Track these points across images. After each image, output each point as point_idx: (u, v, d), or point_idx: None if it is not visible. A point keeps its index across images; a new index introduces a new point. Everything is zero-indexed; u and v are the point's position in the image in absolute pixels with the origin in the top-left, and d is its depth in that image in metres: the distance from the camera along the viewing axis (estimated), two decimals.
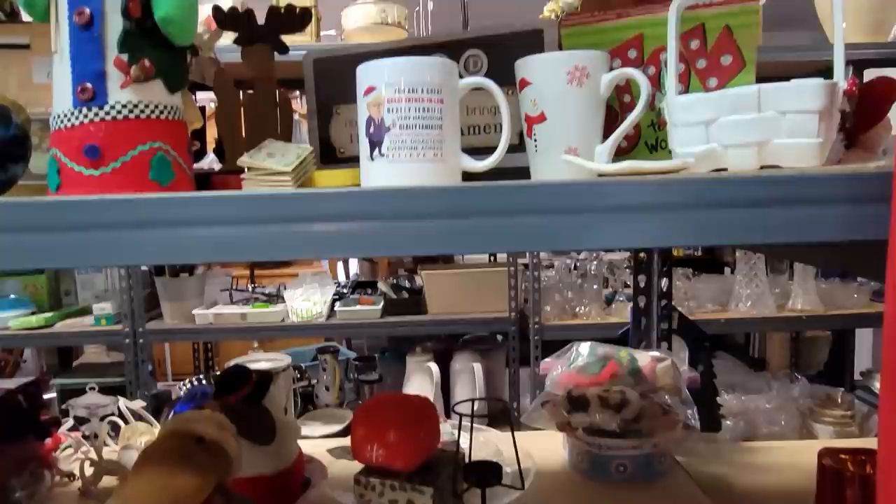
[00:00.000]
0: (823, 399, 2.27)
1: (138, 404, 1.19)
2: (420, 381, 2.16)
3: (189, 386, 2.51)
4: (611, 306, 2.29)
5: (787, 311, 2.19)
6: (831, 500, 0.73)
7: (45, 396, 1.10)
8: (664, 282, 1.12)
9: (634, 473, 0.98)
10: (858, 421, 2.26)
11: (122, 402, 1.17)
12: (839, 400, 2.26)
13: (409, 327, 2.18)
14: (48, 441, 1.07)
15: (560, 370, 1.11)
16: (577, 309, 2.24)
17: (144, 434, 1.12)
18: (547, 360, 1.17)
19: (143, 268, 2.24)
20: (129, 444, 1.08)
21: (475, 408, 0.75)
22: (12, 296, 2.22)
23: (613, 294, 2.36)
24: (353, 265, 3.51)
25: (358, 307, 2.20)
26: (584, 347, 1.11)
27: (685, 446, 1.04)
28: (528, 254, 2.13)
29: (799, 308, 2.18)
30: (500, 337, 2.45)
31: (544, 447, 1.06)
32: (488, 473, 0.70)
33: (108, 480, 1.03)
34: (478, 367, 2.16)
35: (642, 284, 1.14)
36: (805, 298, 2.19)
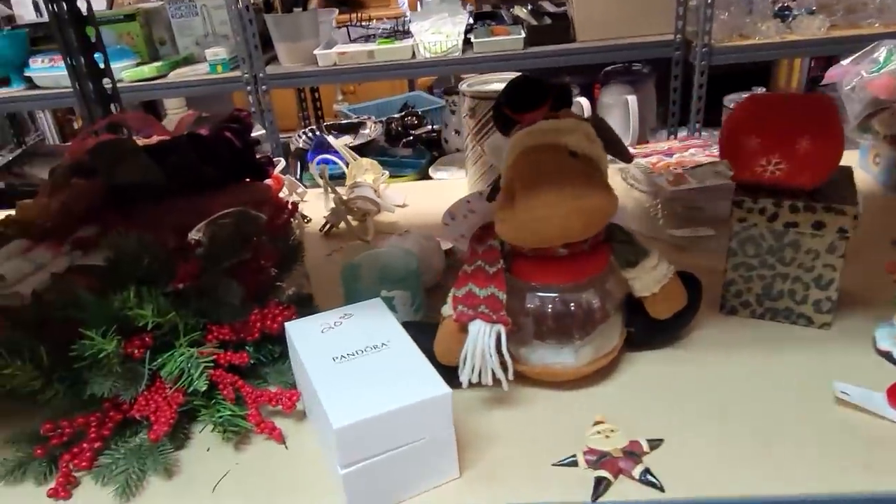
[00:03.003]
0: None
1: (345, 140, 1.05)
2: None
3: (308, 135, 2.40)
4: (786, 22, 1.97)
5: None
6: None
7: (253, 134, 0.97)
8: None
9: None
10: None
11: (333, 139, 1.02)
12: None
13: (555, 58, 1.93)
14: (270, 182, 0.96)
15: (863, 76, 0.90)
16: (751, 27, 1.92)
17: (369, 170, 0.99)
18: (836, 67, 0.95)
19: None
20: (357, 181, 0.96)
21: None
22: (117, 46, 2.03)
23: (787, 9, 2.01)
24: None
25: (496, 38, 1.94)
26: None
27: None
28: None
29: None
30: (643, 68, 2.19)
31: None
32: None
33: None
34: (632, 99, 1.94)
35: None
36: None
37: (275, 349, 0.63)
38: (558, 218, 0.49)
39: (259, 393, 0.58)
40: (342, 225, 0.91)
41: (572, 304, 0.56)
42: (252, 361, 0.62)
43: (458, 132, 2.32)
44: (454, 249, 0.82)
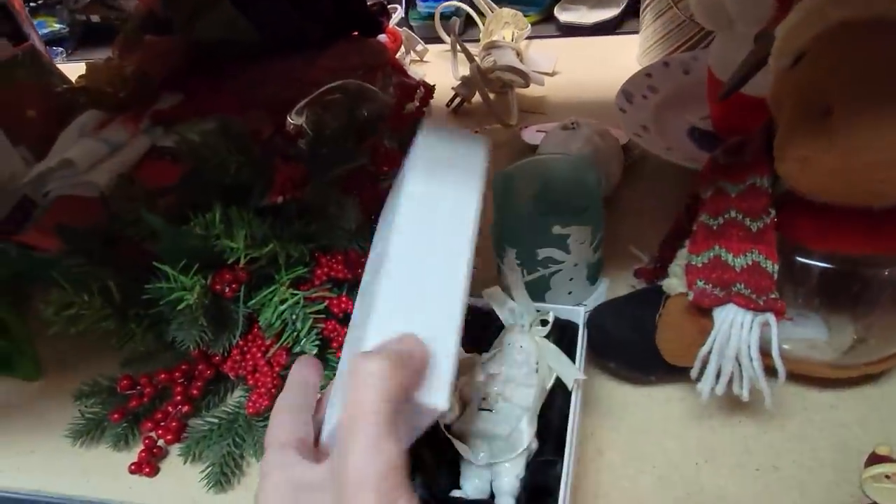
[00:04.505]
0: None
1: None
2: None
3: None
4: None
5: None
6: None
7: None
8: None
9: None
10: None
11: None
12: None
13: None
14: (385, 39, 0.76)
15: None
16: None
17: (510, 24, 0.76)
18: None
19: None
20: (495, 40, 0.74)
21: None
22: None
23: None
24: None
25: None
26: None
27: None
28: None
29: None
30: None
31: None
32: None
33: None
34: None
35: None
36: None
37: None
38: None
39: None
40: (475, 99, 0.71)
41: (868, 283, 0.36)
42: None
43: None
44: (629, 145, 0.61)
